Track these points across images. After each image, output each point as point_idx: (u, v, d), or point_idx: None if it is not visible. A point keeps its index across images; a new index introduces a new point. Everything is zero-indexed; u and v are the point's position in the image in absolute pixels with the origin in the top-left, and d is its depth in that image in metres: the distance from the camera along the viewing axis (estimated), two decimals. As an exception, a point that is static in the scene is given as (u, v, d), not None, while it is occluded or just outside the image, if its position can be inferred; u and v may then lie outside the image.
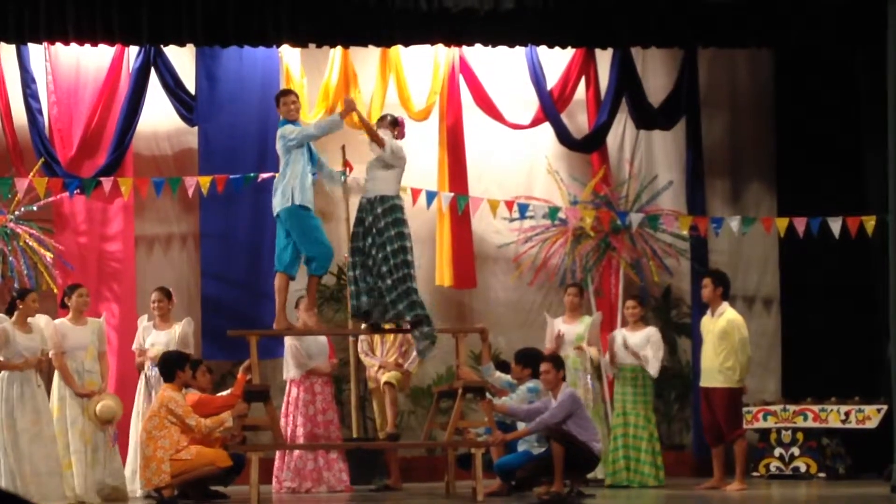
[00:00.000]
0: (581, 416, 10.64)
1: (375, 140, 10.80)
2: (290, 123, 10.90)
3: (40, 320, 11.05)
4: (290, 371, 12.21)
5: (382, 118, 11.24)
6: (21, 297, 10.90)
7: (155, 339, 11.82)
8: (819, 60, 14.08)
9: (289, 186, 10.66)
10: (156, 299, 12.01)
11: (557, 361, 11.01)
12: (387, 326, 11.34)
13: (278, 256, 10.85)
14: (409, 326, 10.72)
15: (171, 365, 10.73)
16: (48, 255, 12.62)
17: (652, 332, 12.33)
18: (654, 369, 12.17)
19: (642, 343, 12.19)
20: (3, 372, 10.67)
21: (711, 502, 10.52)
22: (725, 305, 11.80)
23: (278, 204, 10.75)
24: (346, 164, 13.23)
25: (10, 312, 10.93)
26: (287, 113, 10.97)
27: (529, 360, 11.22)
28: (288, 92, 11.40)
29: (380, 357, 12.29)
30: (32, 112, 13.03)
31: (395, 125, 11.03)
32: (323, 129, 11.03)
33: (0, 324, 10.74)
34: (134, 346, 12.04)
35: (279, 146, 10.85)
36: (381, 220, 10.59)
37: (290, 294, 11.38)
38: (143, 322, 12.08)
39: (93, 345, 11.22)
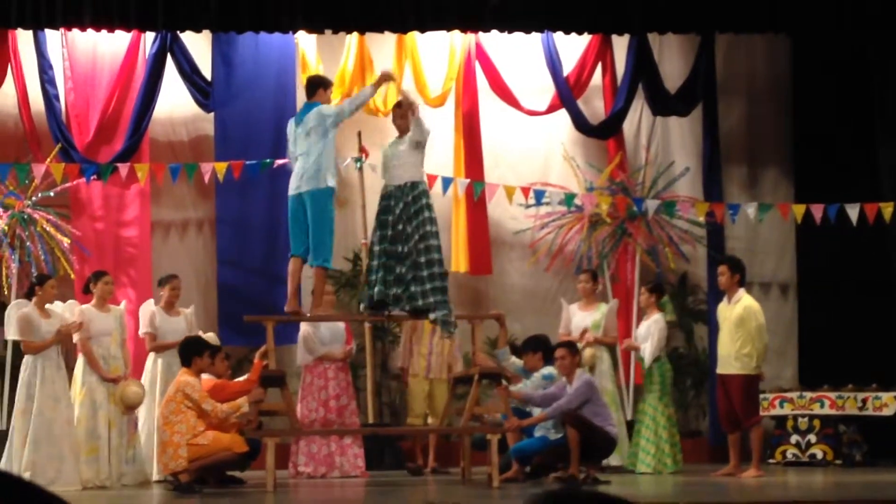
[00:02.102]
0: (597, 403, 10.64)
1: (411, 109, 10.76)
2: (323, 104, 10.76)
3: (67, 306, 11.11)
4: (300, 357, 12.22)
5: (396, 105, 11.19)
6: (40, 284, 10.96)
7: (172, 326, 11.79)
8: (836, 46, 14.02)
9: (324, 168, 10.48)
10: (176, 287, 12.00)
11: (573, 347, 11.01)
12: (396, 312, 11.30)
13: (298, 239, 10.73)
14: (431, 317, 10.71)
15: (189, 350, 10.73)
16: (65, 241, 12.65)
17: (654, 319, 12.28)
18: (645, 357, 12.15)
19: (645, 333, 12.19)
20: (26, 357, 10.73)
21: (727, 489, 10.50)
22: (742, 292, 11.76)
23: (306, 184, 10.50)
24: (362, 150, 13.24)
25: (28, 298, 10.98)
26: (329, 102, 10.91)
27: (540, 345, 11.20)
28: (330, 84, 11.34)
29: (420, 356, 12.34)
30: (49, 98, 13.05)
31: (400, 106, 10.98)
32: (356, 104, 10.89)
33: (22, 309, 10.78)
34: (146, 331, 11.90)
35: (316, 127, 10.59)
36: (413, 206, 10.56)
37: (306, 280, 11.37)
38: (149, 307, 11.98)
39: (117, 331, 11.28)
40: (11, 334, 10.85)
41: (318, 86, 10.96)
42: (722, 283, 11.84)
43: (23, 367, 10.79)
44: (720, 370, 11.79)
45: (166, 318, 11.82)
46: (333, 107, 10.74)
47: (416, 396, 12.38)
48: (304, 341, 12.14)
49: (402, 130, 10.81)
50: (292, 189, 10.65)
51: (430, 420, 12.26)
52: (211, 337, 11.86)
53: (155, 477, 11.31)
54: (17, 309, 10.84)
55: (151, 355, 11.80)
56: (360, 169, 13.36)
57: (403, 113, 10.82)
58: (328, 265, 10.77)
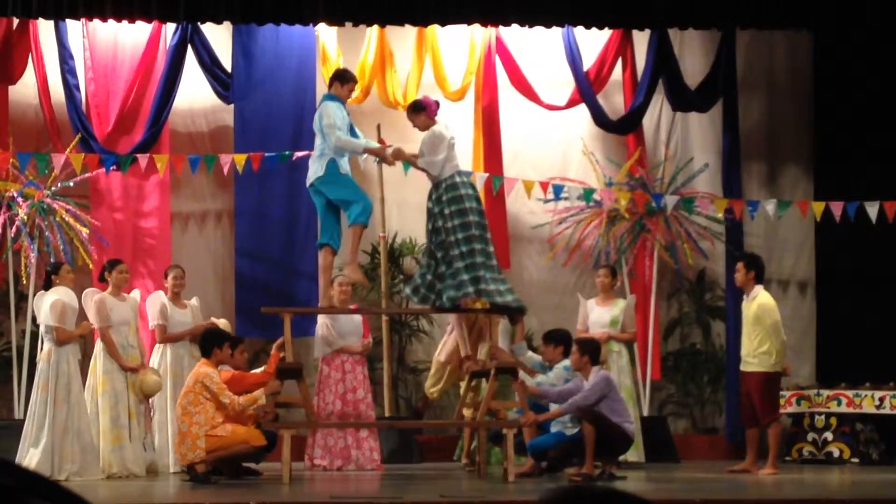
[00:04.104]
0: (614, 399, 10.60)
1: (412, 164, 10.92)
2: (335, 101, 10.78)
3: (87, 294, 11.14)
4: (318, 349, 12.23)
5: (409, 109, 11.13)
6: (55, 272, 10.96)
7: (181, 317, 11.81)
8: (858, 42, 13.98)
9: (326, 158, 10.60)
10: (179, 276, 12.00)
11: (584, 345, 10.93)
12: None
13: (323, 229, 10.80)
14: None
15: (209, 342, 10.74)
16: (84, 231, 12.67)
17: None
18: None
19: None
20: (52, 348, 10.72)
21: (743, 486, 10.49)
22: (758, 289, 11.73)
23: (313, 174, 10.66)
24: (380, 142, 13.23)
25: (46, 287, 11.00)
26: (346, 96, 10.90)
27: (560, 339, 11.18)
28: (355, 79, 11.31)
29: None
30: (70, 88, 13.09)
31: (418, 110, 10.92)
32: (342, 144, 10.62)
33: (53, 295, 10.78)
34: (156, 323, 11.85)
35: (317, 127, 10.72)
36: (439, 203, 10.59)
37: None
38: (158, 298, 11.98)
39: (133, 320, 11.31)
40: (50, 320, 10.80)
41: (334, 79, 11.07)
42: (737, 279, 11.85)
43: (50, 358, 10.71)
44: (742, 368, 11.77)
45: (175, 310, 11.85)
46: (330, 118, 10.57)
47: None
48: (322, 333, 12.14)
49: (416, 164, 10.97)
50: (308, 179, 10.80)
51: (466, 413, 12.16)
52: (224, 323, 11.89)
53: (172, 469, 11.35)
54: (53, 296, 10.83)
55: (159, 346, 11.83)
56: (379, 162, 13.34)
57: (416, 118, 10.90)
58: (360, 220, 10.63)
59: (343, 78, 11.03)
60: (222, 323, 11.87)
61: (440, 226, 10.57)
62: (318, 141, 10.76)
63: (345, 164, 10.74)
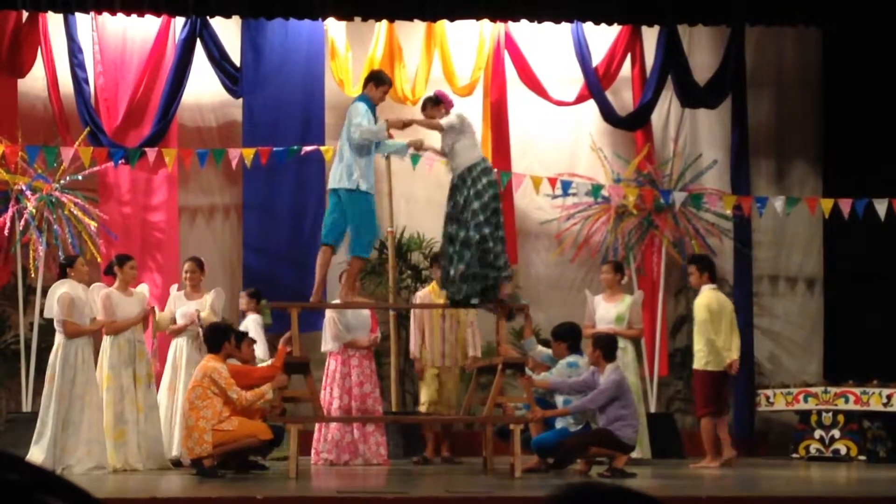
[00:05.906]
0: (623, 400, 10.46)
1: (436, 128, 10.73)
2: (365, 102, 10.54)
3: (94, 288, 11.15)
4: (326, 343, 12.22)
5: (427, 104, 11.00)
6: (70, 265, 10.94)
7: (186, 308, 11.87)
8: (868, 39, 13.96)
9: (355, 173, 10.47)
10: (189, 270, 12.05)
11: (596, 340, 10.90)
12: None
13: (328, 228, 10.63)
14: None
15: (217, 335, 10.73)
16: (92, 225, 12.69)
17: (252, 318, 12.54)
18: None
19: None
20: (61, 340, 10.72)
21: (751, 482, 10.47)
22: (704, 289, 11.80)
23: (337, 181, 10.42)
24: (389, 136, 13.22)
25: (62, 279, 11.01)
26: (378, 99, 10.75)
27: (561, 335, 11.16)
28: (390, 82, 11.15)
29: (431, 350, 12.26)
30: (79, 81, 13.11)
31: (438, 103, 10.87)
32: (365, 136, 10.36)
33: (61, 288, 10.77)
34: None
35: (346, 126, 10.57)
36: (473, 188, 10.52)
37: (333, 267, 11.39)
38: (173, 292, 12.08)
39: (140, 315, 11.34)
40: (57, 314, 10.80)
41: (369, 80, 10.77)
42: (692, 281, 12.07)
43: (59, 351, 10.73)
44: None
45: (184, 302, 11.90)
46: (358, 118, 10.37)
47: (428, 386, 12.33)
48: (330, 328, 12.14)
49: (439, 129, 10.81)
50: (330, 183, 10.61)
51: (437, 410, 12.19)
52: (206, 315, 11.84)
53: (173, 453, 11.41)
54: (60, 289, 10.82)
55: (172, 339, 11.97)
56: (388, 157, 13.35)
57: (433, 112, 10.79)
58: (365, 255, 10.75)
59: (379, 79, 10.76)
60: (205, 314, 11.87)
61: (469, 207, 10.49)
62: (340, 143, 10.58)
63: (370, 174, 10.52)
